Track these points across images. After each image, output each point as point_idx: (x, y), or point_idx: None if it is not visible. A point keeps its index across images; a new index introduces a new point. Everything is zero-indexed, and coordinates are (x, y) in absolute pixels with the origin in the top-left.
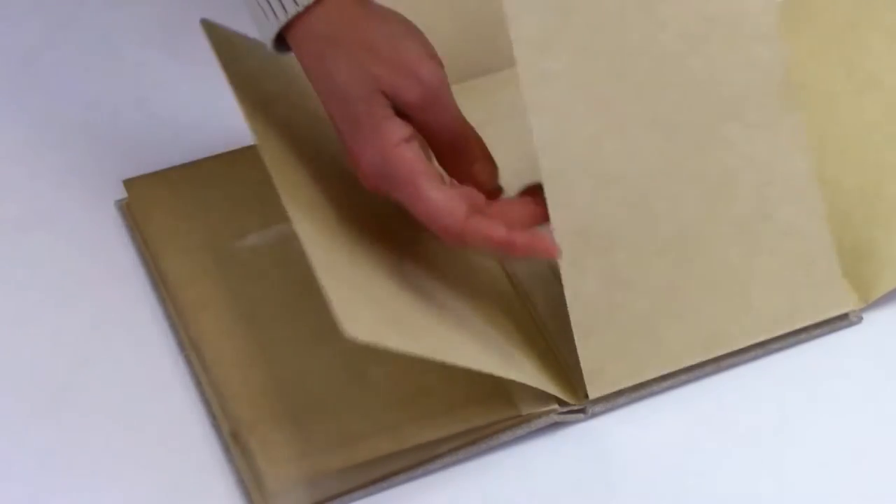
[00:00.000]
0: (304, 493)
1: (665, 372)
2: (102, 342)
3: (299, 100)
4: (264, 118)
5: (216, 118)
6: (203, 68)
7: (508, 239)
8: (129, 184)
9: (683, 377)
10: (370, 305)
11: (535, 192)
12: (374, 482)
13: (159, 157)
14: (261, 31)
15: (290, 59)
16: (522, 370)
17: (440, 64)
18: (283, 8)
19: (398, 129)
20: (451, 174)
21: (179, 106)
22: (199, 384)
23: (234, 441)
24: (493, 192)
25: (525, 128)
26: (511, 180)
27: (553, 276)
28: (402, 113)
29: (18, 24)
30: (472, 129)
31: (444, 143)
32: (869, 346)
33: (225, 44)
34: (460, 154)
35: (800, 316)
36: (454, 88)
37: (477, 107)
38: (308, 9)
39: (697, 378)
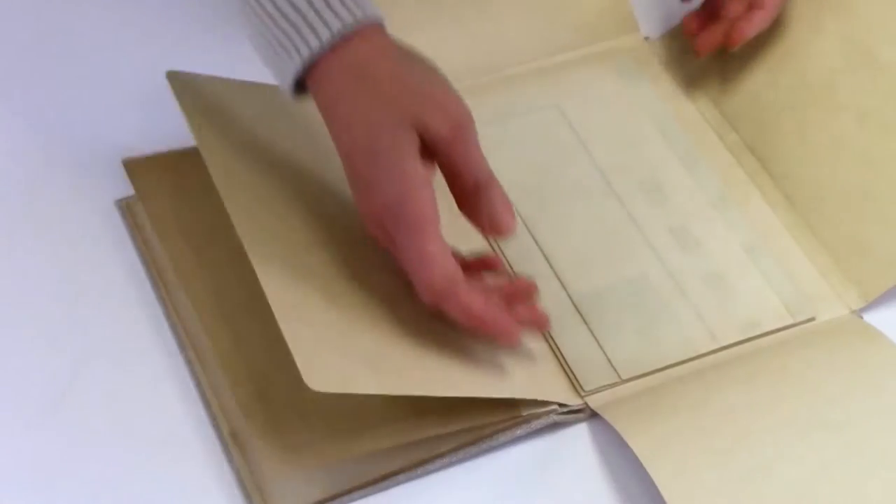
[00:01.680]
0: (304, 493)
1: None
2: (102, 342)
3: (277, 139)
4: (231, 164)
5: None
6: (204, 69)
7: (483, 313)
8: (127, 200)
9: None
10: (340, 349)
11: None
12: (373, 482)
13: None
14: (279, 72)
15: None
16: (514, 382)
17: (465, 102)
18: (307, 44)
19: (422, 170)
20: (468, 215)
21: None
22: (199, 384)
23: (234, 441)
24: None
25: (525, 128)
26: (513, 179)
27: (552, 274)
28: (426, 149)
29: (17, 23)
30: (493, 174)
31: (466, 183)
32: None
33: (190, 93)
34: (481, 195)
35: None
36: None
37: (476, 105)
38: (334, 45)
39: None
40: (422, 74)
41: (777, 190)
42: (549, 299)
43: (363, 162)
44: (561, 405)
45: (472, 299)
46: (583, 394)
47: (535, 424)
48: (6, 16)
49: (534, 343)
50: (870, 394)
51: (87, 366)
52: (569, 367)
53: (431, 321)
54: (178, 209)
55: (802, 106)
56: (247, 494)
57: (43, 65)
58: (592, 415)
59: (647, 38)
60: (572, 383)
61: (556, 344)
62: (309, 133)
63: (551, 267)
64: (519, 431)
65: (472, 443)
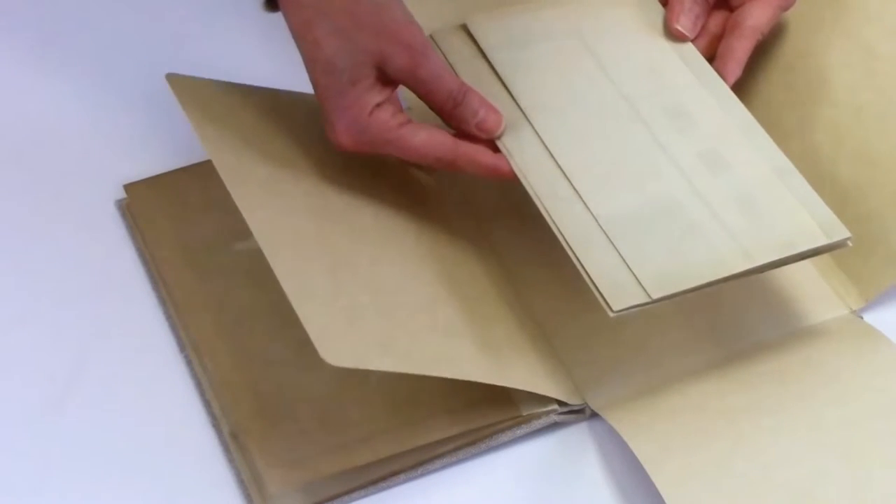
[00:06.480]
0: (303, 493)
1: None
2: (102, 342)
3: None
4: (234, 156)
5: None
6: (203, 69)
7: (495, 163)
8: (129, 188)
9: None
10: (351, 326)
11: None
12: (373, 482)
13: (160, 158)
14: None
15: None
16: (517, 375)
17: (421, 28)
18: None
19: (372, 98)
20: (455, 128)
21: (180, 107)
22: (199, 384)
23: (234, 441)
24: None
25: (545, 54)
26: (532, 101)
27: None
28: (391, 79)
29: (17, 24)
30: (466, 84)
31: (443, 101)
32: None
33: (191, 94)
34: (461, 108)
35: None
36: None
37: (493, 30)
38: None
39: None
40: (376, 6)
41: None
42: (573, 221)
43: (328, 97)
44: (561, 404)
45: (482, 153)
46: (612, 314)
47: (535, 424)
48: (11, 16)
49: (535, 343)
50: (870, 394)
51: (88, 366)
52: (596, 287)
53: (440, 306)
54: (177, 229)
55: (801, 102)
56: (247, 494)
57: (43, 62)
58: (592, 415)
59: None
60: (574, 382)
61: (581, 265)
62: (308, 131)
63: (574, 188)
64: (519, 431)
65: (472, 443)
